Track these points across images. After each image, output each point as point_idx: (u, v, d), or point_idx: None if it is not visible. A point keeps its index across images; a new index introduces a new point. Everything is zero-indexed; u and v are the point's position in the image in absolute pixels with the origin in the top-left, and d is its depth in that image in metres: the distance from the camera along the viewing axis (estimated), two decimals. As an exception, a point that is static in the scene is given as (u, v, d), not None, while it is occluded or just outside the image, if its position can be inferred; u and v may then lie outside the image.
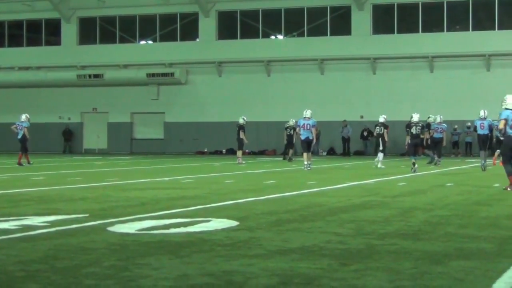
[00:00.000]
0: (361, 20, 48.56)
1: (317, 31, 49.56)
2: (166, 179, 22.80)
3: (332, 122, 47.59)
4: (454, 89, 46.34)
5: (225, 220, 11.27)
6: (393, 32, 48.53)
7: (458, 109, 45.21)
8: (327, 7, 49.03)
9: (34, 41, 54.87)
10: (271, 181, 21.38)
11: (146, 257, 7.84)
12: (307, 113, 28.54)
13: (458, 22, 48.62)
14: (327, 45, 48.71)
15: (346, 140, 47.82)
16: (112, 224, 10.73)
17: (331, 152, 48.80)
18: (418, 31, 48.06)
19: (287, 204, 14.31)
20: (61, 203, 14.33)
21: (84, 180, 22.07)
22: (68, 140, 51.00)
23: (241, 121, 35.08)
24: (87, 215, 12.00)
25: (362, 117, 47.70)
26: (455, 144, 46.59)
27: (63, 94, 52.37)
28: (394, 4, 48.20)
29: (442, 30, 47.79)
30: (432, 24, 48.31)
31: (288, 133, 37.11)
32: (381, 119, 31.41)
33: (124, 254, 8.02)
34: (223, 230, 10.18)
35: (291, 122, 36.55)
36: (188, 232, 9.90)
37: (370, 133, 44.93)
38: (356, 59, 48.16)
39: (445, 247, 8.70)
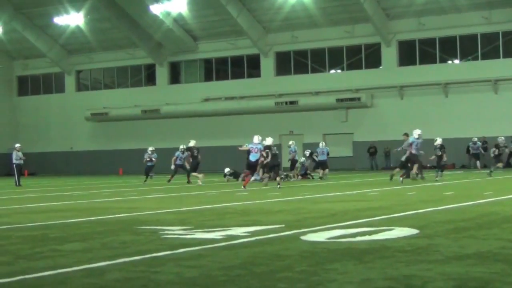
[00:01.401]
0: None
1: (490, 54, 48.10)
2: (354, 192, 22.67)
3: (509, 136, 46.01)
4: None
5: (406, 228, 11.03)
6: None
7: None
8: (499, 32, 47.52)
9: (237, 75, 56.05)
10: (450, 193, 20.86)
11: (333, 262, 7.77)
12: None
13: None
14: (500, 66, 47.17)
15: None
16: (304, 233, 10.70)
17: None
18: None
19: (464, 213, 13.90)
20: (261, 215, 14.47)
21: (281, 194, 22.27)
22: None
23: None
24: (283, 225, 12.06)
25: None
26: None
27: (263, 119, 53.13)
28: None
29: None
30: None
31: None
32: None
33: (314, 260, 7.98)
34: (404, 237, 9.97)
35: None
36: (372, 240, 9.76)
37: None
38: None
39: None
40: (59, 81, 63.31)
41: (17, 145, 37.09)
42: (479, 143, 43.92)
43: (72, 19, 54.74)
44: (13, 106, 64.06)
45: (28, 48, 60.76)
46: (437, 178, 29.57)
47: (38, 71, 63.58)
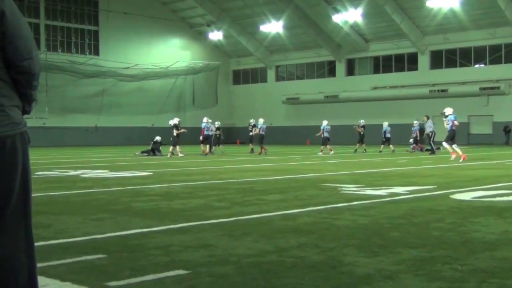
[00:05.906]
0: None
1: None
2: (494, 162, 21.57)
3: None
4: None
5: (539, 192, 10.36)
6: None
7: None
8: None
9: (399, 69, 54.64)
10: None
11: (477, 217, 7.42)
12: None
13: None
14: None
15: None
16: (453, 193, 10.31)
17: None
18: None
19: None
20: (417, 178, 14.07)
21: (432, 162, 21.60)
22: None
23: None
24: (435, 186, 11.68)
25: None
26: None
27: (419, 104, 51.45)
28: None
29: None
30: None
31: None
32: None
33: (461, 215, 7.66)
34: (537, 199, 9.36)
35: None
36: (510, 200, 9.21)
37: None
38: None
39: None
40: (263, 73, 64.41)
41: (217, 123, 36.51)
42: None
43: (273, 27, 55.58)
44: (229, 92, 65.92)
45: (241, 49, 62.24)
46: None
47: (247, 66, 65.04)
